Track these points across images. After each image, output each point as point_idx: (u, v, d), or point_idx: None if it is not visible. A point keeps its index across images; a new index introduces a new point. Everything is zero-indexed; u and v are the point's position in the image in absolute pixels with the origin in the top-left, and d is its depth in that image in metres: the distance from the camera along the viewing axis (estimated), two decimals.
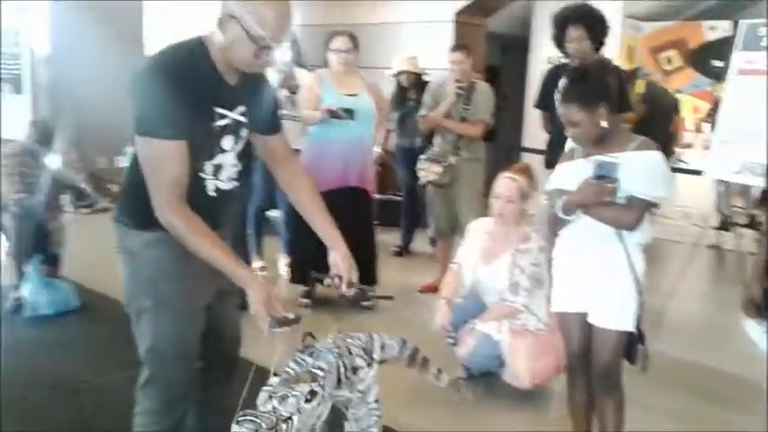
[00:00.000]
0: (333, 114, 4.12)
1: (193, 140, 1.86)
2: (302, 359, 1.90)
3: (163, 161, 1.83)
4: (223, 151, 1.95)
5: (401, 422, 2.90)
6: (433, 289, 4.47)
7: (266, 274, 4.90)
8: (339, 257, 2.09)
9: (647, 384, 2.84)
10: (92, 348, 3.56)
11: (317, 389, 1.75)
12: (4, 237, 4.37)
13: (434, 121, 4.70)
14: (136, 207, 1.95)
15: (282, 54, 4.56)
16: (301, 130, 4.44)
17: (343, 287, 2.07)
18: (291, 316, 1.83)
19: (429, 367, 2.47)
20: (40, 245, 4.23)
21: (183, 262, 1.91)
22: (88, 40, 6.45)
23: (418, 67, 5.76)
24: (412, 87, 5.68)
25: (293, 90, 4.56)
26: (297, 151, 4.34)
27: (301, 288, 4.54)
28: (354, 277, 2.09)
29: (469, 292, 3.41)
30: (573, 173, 2.38)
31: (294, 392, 1.70)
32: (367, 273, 4.49)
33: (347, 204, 4.27)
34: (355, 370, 2.07)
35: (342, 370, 2.00)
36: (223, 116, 1.92)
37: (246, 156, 2.05)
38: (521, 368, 3.14)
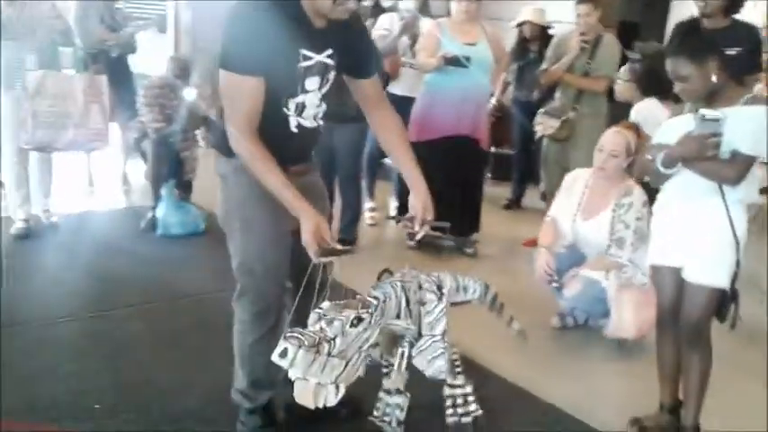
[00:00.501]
0: (448, 61, 4.17)
1: (277, 79, 2.00)
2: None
3: (237, 94, 1.98)
4: (306, 91, 2.07)
5: (489, 360, 3.03)
6: (537, 243, 4.50)
7: (376, 215, 5.11)
8: (415, 197, 2.20)
9: (736, 342, 2.82)
10: (213, 267, 3.90)
11: (364, 315, 1.85)
12: (143, 161, 4.81)
13: (555, 75, 4.64)
14: (225, 135, 2.09)
15: (405, 2, 4.69)
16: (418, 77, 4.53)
17: (416, 226, 2.16)
18: (339, 247, 1.95)
19: (504, 313, 2.55)
20: (174, 171, 4.59)
21: (254, 192, 2.08)
22: None
23: (543, 19, 5.65)
24: (534, 39, 5.59)
25: (414, 38, 4.64)
26: (413, 99, 4.52)
27: (408, 230, 4.69)
28: (428, 217, 2.17)
29: (570, 245, 3.43)
30: (677, 127, 2.35)
31: (340, 316, 1.81)
32: (470, 221, 4.60)
33: (457, 152, 4.37)
34: (423, 304, 2.16)
35: (403, 302, 2.08)
36: (308, 58, 2.03)
37: (333, 96, 2.17)
38: (627, 319, 3.14)
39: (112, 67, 4.79)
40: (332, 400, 1.77)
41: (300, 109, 2.11)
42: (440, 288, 2.21)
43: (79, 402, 2.54)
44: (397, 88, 4.77)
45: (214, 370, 2.65)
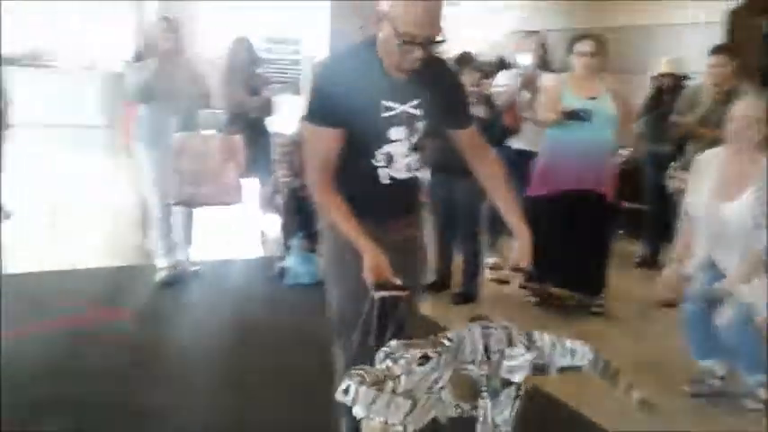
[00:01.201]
0: (567, 116, 4.13)
1: (361, 130, 2.06)
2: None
3: (315, 145, 2.08)
4: (391, 141, 2.10)
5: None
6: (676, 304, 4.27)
7: (502, 271, 5.06)
8: (518, 244, 2.15)
9: None
10: None
11: (431, 354, 1.81)
12: (277, 214, 5.11)
13: (687, 128, 4.47)
14: None
15: (523, 57, 4.73)
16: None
17: (506, 270, 2.15)
18: (397, 282, 1.97)
19: (619, 380, 2.39)
20: (303, 223, 4.82)
21: (348, 247, 2.09)
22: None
23: (681, 70, 5.48)
24: (670, 91, 5.40)
25: (535, 93, 4.65)
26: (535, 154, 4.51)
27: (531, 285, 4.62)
28: (523, 264, 2.13)
29: (707, 262, 3.13)
30: None
31: (407, 355, 1.79)
32: (594, 279, 4.45)
33: (580, 207, 4.28)
34: (509, 355, 2.05)
35: (480, 348, 2.00)
36: (391, 108, 2.07)
37: (424, 147, 2.19)
38: None
39: (251, 127, 5.16)
40: None
41: (389, 160, 2.13)
42: (531, 340, 2.15)
43: None
44: (517, 143, 4.78)
45: None
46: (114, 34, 11.81)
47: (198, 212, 4.77)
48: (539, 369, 2.12)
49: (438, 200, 4.50)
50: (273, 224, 5.33)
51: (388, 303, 1.97)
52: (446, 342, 1.92)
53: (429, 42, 1.96)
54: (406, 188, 2.22)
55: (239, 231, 5.80)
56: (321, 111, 2.07)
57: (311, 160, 2.13)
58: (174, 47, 4.23)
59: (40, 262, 4.81)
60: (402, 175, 2.17)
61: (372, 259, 1.98)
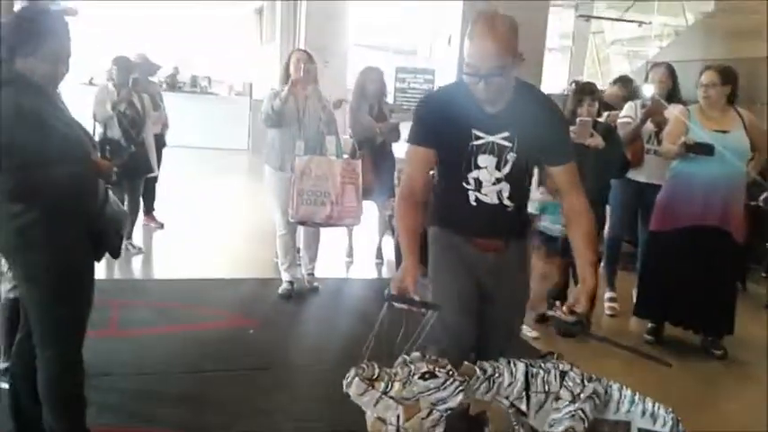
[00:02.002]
0: (690, 149, 3.97)
1: (452, 154, 2.28)
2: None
3: (409, 161, 2.36)
4: (479, 167, 2.28)
5: None
6: None
7: (616, 306, 4.92)
8: (579, 286, 2.24)
9: None
10: None
11: (438, 373, 1.87)
12: (393, 237, 5.26)
13: None
14: (431, 209, 2.43)
15: (648, 88, 4.61)
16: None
17: (560, 312, 2.17)
18: (416, 298, 2.03)
19: None
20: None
21: (444, 257, 2.36)
22: None
23: None
24: None
25: (660, 125, 4.51)
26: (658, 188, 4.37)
27: (649, 324, 4.47)
28: (579, 308, 2.16)
29: None
30: None
31: (414, 366, 1.88)
32: (719, 319, 4.21)
33: (703, 244, 4.09)
34: (556, 399, 2.06)
35: (519, 385, 2.04)
36: (480, 137, 2.25)
37: (520, 180, 2.32)
38: None
39: (376, 152, 5.38)
40: None
41: (478, 184, 2.31)
42: (579, 393, 2.08)
43: None
44: (640, 175, 4.65)
45: None
46: (267, 63, 12.76)
47: (324, 232, 5.02)
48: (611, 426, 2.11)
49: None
50: (390, 246, 5.50)
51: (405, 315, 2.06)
52: (478, 371, 1.99)
53: (489, 75, 2.14)
54: (494, 213, 2.35)
55: (358, 252, 6.02)
56: (419, 133, 2.35)
57: (404, 174, 2.39)
58: (304, 76, 4.52)
59: (182, 270, 5.28)
60: (490, 200, 2.33)
61: (401, 271, 2.13)
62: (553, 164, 2.35)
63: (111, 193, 2.57)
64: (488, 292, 2.44)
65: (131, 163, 4.95)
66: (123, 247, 5.50)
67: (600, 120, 4.38)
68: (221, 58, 13.31)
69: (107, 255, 2.57)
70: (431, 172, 2.48)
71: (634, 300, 4.94)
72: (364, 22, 12.57)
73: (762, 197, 5.32)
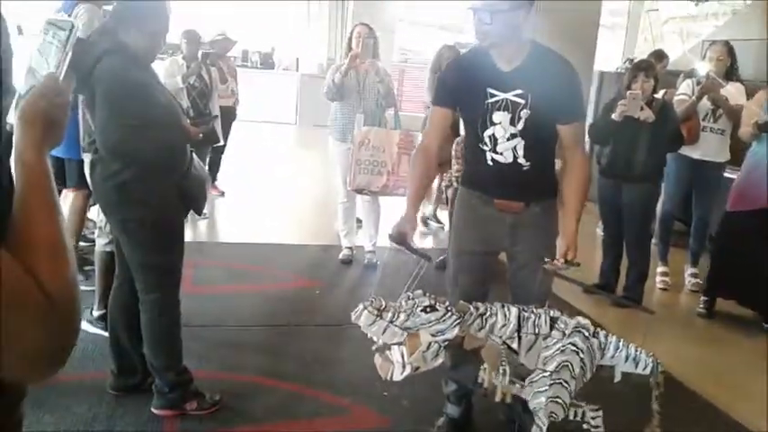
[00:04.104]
0: (761, 128, 4.01)
1: (469, 112, 2.51)
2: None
3: (431, 119, 2.59)
4: (494, 123, 2.42)
5: None
6: None
7: (668, 280, 5.02)
8: (560, 237, 2.46)
9: None
10: None
11: (438, 307, 2.05)
12: (447, 207, 5.40)
13: None
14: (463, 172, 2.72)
15: (703, 66, 4.65)
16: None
17: (558, 262, 2.36)
18: (414, 246, 2.34)
19: (657, 392, 2.34)
20: None
21: (460, 216, 2.64)
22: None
23: None
24: None
25: (716, 103, 4.57)
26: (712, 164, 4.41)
27: (702, 299, 4.56)
28: (570, 254, 2.37)
29: None
30: None
31: (416, 300, 2.05)
32: None
33: None
34: (545, 337, 2.22)
35: (512, 326, 2.20)
36: (494, 95, 2.40)
37: (535, 138, 2.43)
38: None
39: None
40: (397, 376, 2.03)
41: (493, 143, 2.45)
42: (573, 330, 2.22)
43: (371, 387, 3.02)
44: (695, 152, 4.72)
45: None
46: (318, 38, 12.93)
47: (384, 202, 5.18)
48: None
49: (606, 203, 4.57)
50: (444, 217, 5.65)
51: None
52: (471, 308, 2.19)
53: (478, 10, 2.31)
54: (510, 172, 2.48)
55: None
56: (438, 94, 2.58)
57: (424, 132, 2.68)
58: (365, 50, 4.68)
59: (245, 235, 5.53)
60: (504, 159, 2.47)
61: (402, 219, 2.38)
62: (562, 122, 2.45)
63: (195, 156, 2.80)
64: (510, 252, 2.62)
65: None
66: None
67: (657, 96, 4.45)
68: (270, 33, 13.50)
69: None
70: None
71: (686, 275, 5.05)
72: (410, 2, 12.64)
73: None
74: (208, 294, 4.06)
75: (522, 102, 2.39)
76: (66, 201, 3.77)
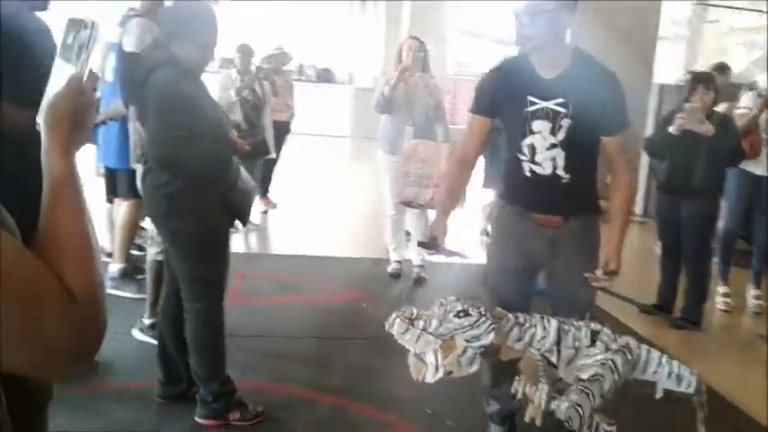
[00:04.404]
0: None
1: (510, 121, 2.40)
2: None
3: (469, 128, 2.54)
4: (533, 132, 2.34)
5: None
6: None
7: (730, 301, 4.82)
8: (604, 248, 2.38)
9: None
10: None
11: (471, 312, 2.01)
12: None
13: None
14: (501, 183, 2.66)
15: (762, 78, 4.48)
16: None
17: (598, 273, 2.32)
18: (446, 248, 2.39)
19: (702, 413, 2.25)
20: None
21: (497, 230, 2.62)
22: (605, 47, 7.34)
23: None
24: None
25: None
26: None
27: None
28: (611, 266, 2.33)
29: None
30: None
31: (449, 306, 2.01)
32: None
33: None
34: (580, 352, 2.15)
35: (551, 339, 2.13)
36: (534, 103, 2.32)
37: (576, 149, 2.34)
38: None
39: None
40: (429, 378, 2.01)
41: (532, 152, 2.36)
42: (619, 348, 2.15)
43: (416, 404, 3.04)
44: (757, 167, 4.54)
45: None
46: (372, 51, 13.02)
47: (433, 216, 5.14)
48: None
49: (664, 219, 4.43)
50: None
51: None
52: (510, 316, 2.13)
53: (521, 14, 2.29)
54: (548, 185, 2.40)
55: (465, 237, 6.12)
56: (476, 102, 2.52)
57: (461, 140, 2.59)
58: (415, 63, 4.67)
59: (295, 247, 5.57)
60: (543, 170, 2.38)
61: (433, 223, 2.45)
62: (605, 133, 2.37)
63: (242, 168, 2.82)
64: (549, 269, 2.54)
65: (252, 146, 5.27)
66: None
67: (717, 109, 4.30)
68: (325, 47, 13.68)
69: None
70: None
71: (748, 296, 4.84)
72: (468, 13, 12.62)
73: None
74: (255, 305, 4.09)
75: (564, 111, 2.31)
76: (119, 210, 3.86)
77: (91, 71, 0.92)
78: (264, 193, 6.58)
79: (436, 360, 1.99)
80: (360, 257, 5.40)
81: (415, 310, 2.02)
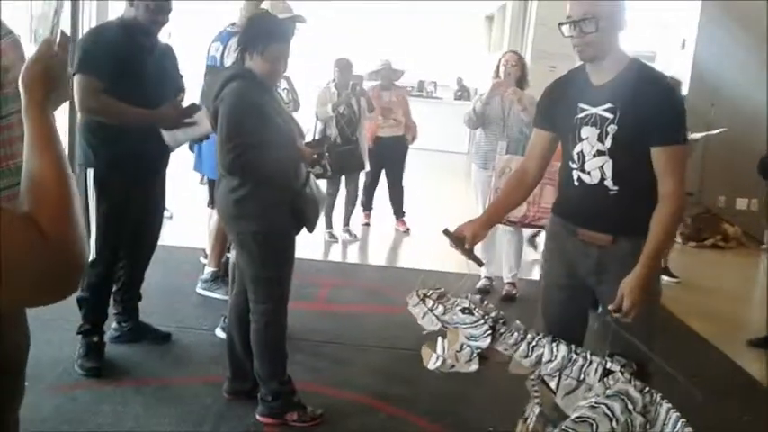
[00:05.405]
0: None
1: (562, 130, 2.38)
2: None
3: (531, 142, 2.56)
4: (582, 139, 2.27)
5: None
6: None
7: None
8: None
9: None
10: None
11: (475, 312, 2.06)
12: None
13: None
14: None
15: None
16: None
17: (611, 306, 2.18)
18: (474, 256, 2.38)
19: None
20: None
21: (548, 247, 2.57)
22: (732, 53, 7.12)
23: None
24: None
25: None
26: None
27: None
28: (624, 305, 2.15)
29: None
30: None
31: (457, 301, 2.07)
32: None
33: None
34: (583, 385, 2.08)
35: (556, 363, 2.09)
36: (584, 110, 2.28)
37: (625, 158, 2.23)
38: None
39: None
40: (431, 365, 2.14)
41: (581, 160, 2.29)
42: (614, 393, 2.01)
43: (479, 423, 3.04)
44: None
45: None
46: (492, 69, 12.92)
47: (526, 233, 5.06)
48: None
49: None
50: None
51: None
52: (514, 328, 2.11)
53: (582, 19, 2.19)
54: (596, 196, 2.28)
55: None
56: (537, 117, 2.56)
57: (526, 152, 2.60)
58: (508, 78, 4.63)
59: (388, 258, 5.66)
60: (590, 179, 2.29)
61: (469, 221, 2.44)
62: (653, 142, 2.20)
63: (312, 177, 2.93)
64: (597, 292, 2.40)
65: (346, 160, 5.45)
66: (342, 232, 6.05)
67: None
68: (447, 63, 13.75)
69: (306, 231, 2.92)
70: None
71: None
72: None
73: None
74: (336, 312, 4.21)
75: (611, 116, 2.24)
76: (212, 217, 4.10)
77: (63, 33, 1.05)
78: (399, 216, 6.67)
79: (443, 350, 2.12)
80: (450, 272, 5.36)
81: (430, 291, 2.13)
